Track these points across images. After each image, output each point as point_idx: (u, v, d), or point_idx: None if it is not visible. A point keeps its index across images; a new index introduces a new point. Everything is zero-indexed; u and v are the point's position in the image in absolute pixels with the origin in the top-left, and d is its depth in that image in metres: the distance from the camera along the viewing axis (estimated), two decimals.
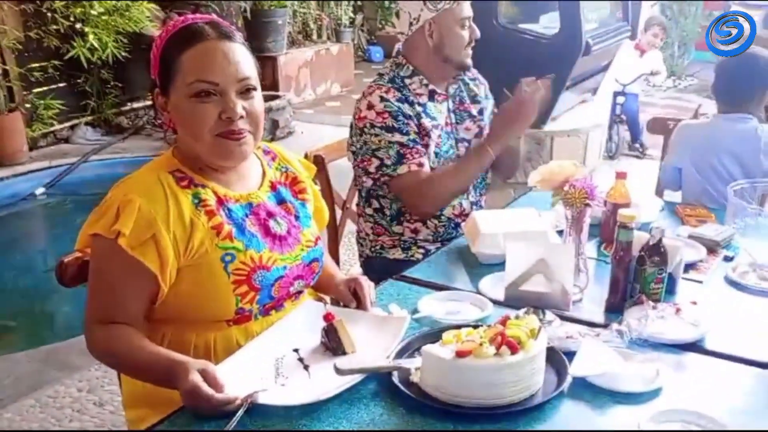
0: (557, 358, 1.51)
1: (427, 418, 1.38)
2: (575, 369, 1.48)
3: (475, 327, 1.55)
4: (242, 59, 1.56)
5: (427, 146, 2.37)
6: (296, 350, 1.59)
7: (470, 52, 2.43)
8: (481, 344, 1.40)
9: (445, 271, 2.06)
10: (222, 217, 1.58)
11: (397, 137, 2.30)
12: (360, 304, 1.75)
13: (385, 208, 2.45)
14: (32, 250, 5.18)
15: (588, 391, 1.46)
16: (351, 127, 2.43)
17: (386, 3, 9.81)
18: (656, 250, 1.77)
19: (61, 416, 2.85)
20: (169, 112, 1.57)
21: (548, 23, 5.15)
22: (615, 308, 1.81)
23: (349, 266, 3.75)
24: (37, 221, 5.60)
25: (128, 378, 1.66)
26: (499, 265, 1.98)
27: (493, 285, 1.91)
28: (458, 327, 1.54)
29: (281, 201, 1.73)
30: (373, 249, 2.53)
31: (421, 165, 2.31)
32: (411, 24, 2.41)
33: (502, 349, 1.39)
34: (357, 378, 1.45)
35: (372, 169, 2.33)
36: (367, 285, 1.78)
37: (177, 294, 1.55)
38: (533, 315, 1.54)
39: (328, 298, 1.91)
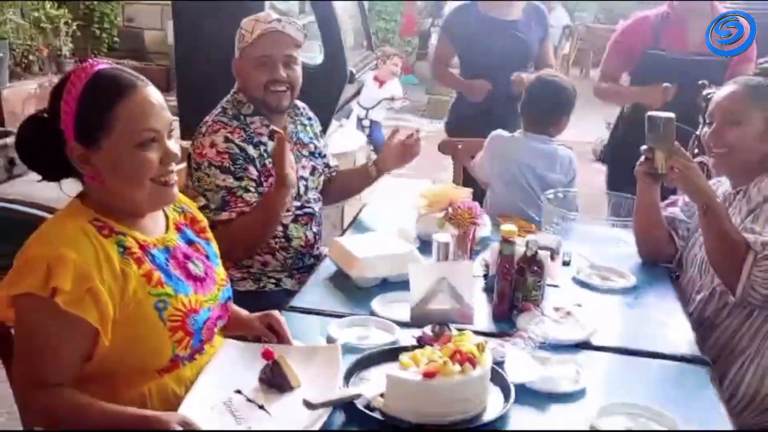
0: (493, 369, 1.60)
1: None
2: (515, 377, 1.58)
3: (409, 348, 1.60)
4: (164, 102, 1.53)
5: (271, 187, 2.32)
6: (239, 391, 1.53)
7: (278, 91, 2.35)
8: (444, 363, 1.44)
9: (329, 299, 2.07)
10: (149, 264, 1.50)
11: (229, 181, 2.25)
12: (280, 338, 1.71)
13: None
14: None
15: (526, 395, 1.56)
16: (188, 158, 2.33)
17: (97, 32, 9.29)
18: (534, 261, 1.95)
19: None
20: (93, 165, 1.46)
21: (306, 52, 5.26)
22: (503, 317, 1.94)
23: None
24: None
25: None
26: (377, 287, 2.09)
27: (387, 306, 1.96)
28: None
29: (189, 242, 1.68)
30: None
31: (242, 215, 2.26)
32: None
33: (465, 366, 1.44)
34: (329, 410, 1.43)
35: (200, 206, 2.24)
36: (282, 319, 1.74)
37: (110, 347, 1.43)
38: (468, 331, 1.61)
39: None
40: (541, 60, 3.78)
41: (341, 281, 2.15)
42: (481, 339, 1.55)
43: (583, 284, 2.21)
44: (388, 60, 6.42)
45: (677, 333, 1.96)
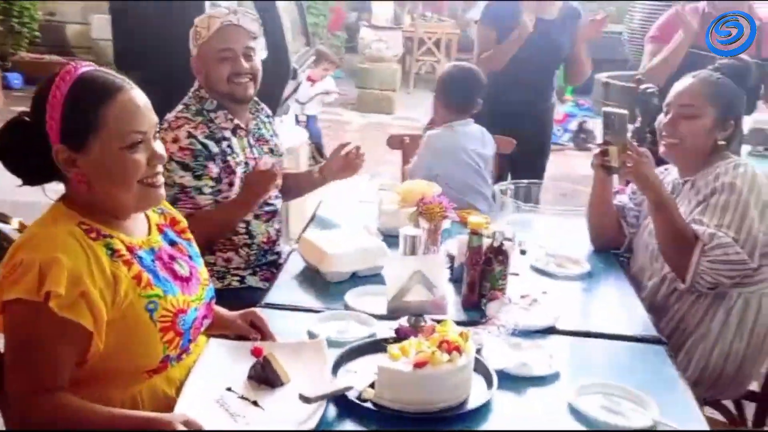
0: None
1: (402, 426, 1.47)
2: (493, 363, 1.66)
3: (389, 340, 1.67)
4: (149, 104, 1.54)
5: (232, 184, 2.38)
6: (229, 389, 1.56)
7: (242, 82, 2.39)
8: (433, 353, 1.50)
9: (301, 295, 2.11)
10: (138, 266, 1.51)
11: (186, 179, 2.28)
12: (263, 335, 1.75)
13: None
14: None
15: (504, 380, 1.64)
16: None
17: (17, 27, 8.99)
18: (500, 251, 2.03)
19: None
20: (79, 167, 1.46)
21: None
22: (472, 306, 2.03)
23: None
24: None
25: None
26: (347, 281, 2.15)
27: (360, 299, 2.02)
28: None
29: (172, 242, 1.69)
30: None
31: (191, 216, 2.21)
32: (191, 62, 2.41)
33: (453, 354, 1.51)
34: (323, 403, 1.48)
35: None
36: (264, 316, 1.78)
37: (102, 351, 1.44)
38: (449, 321, 1.68)
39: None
40: (572, 60, 3.72)
41: (311, 276, 2.19)
42: (462, 328, 1.63)
43: (542, 272, 2.31)
44: (320, 65, 6.47)
45: (633, 315, 2.07)
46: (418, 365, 1.49)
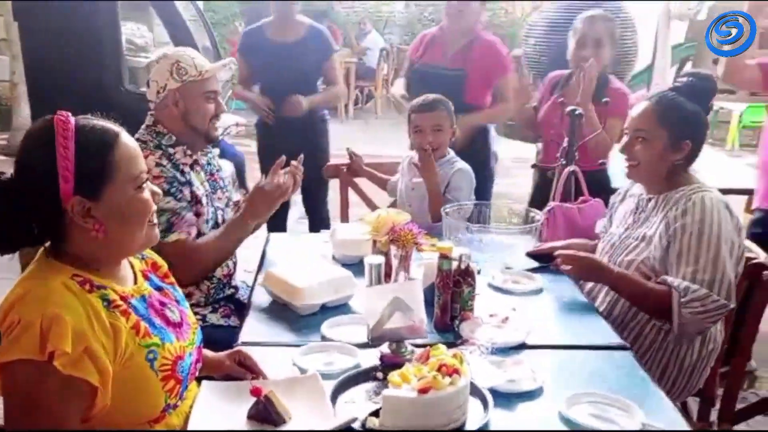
0: None
1: None
2: (485, 382, 1.72)
3: (378, 368, 1.72)
4: None
5: (199, 214, 2.39)
6: None
7: (217, 124, 2.49)
8: (434, 377, 1.55)
9: (275, 330, 2.11)
10: (134, 315, 1.50)
11: (171, 204, 2.28)
12: (254, 373, 1.75)
13: None
14: None
15: (496, 398, 1.69)
16: None
17: None
18: (467, 273, 2.10)
19: None
20: (94, 215, 1.45)
21: None
22: (445, 328, 2.08)
23: None
24: None
25: None
26: (318, 313, 2.16)
27: (336, 330, 2.05)
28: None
29: (158, 288, 1.69)
30: None
31: (189, 234, 2.33)
32: (158, 92, 2.40)
33: (453, 377, 1.56)
34: None
35: None
36: (250, 354, 1.78)
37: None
38: (440, 345, 1.73)
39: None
40: (327, 79, 4.18)
41: (280, 311, 2.20)
42: (453, 350, 1.67)
43: (500, 290, 2.39)
44: None
45: (594, 325, 2.17)
46: (423, 390, 1.52)
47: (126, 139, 1.50)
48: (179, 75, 2.38)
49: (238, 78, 4.16)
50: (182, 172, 2.36)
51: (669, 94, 2.29)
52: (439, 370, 1.57)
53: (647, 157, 2.27)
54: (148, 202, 1.53)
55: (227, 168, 5.54)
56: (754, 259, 2.30)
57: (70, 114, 1.48)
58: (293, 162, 2.49)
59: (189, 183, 2.36)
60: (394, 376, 1.59)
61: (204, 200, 2.41)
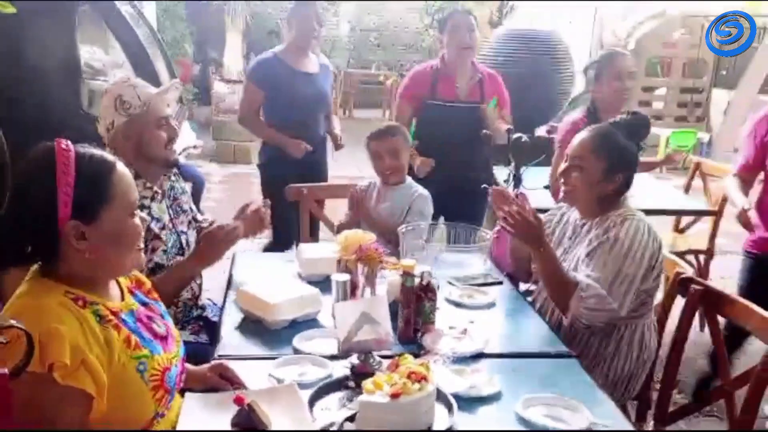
0: None
1: None
2: (449, 388, 1.89)
3: (350, 377, 1.88)
4: None
5: (155, 250, 2.45)
6: None
7: (174, 148, 2.53)
8: (404, 384, 1.70)
9: (249, 344, 2.23)
10: (125, 329, 1.62)
11: None
12: (235, 384, 1.88)
13: None
14: None
15: (459, 402, 1.85)
16: None
17: None
18: (429, 288, 2.27)
19: None
20: (89, 239, 1.56)
21: None
22: (409, 340, 2.24)
23: None
24: None
25: None
26: (288, 327, 2.30)
27: (308, 343, 2.19)
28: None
29: (144, 303, 1.80)
30: None
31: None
32: (108, 129, 2.44)
33: (422, 383, 1.72)
34: None
35: None
36: (231, 367, 1.90)
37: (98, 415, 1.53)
38: (407, 355, 1.89)
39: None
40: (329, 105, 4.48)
41: (252, 326, 2.33)
42: (420, 360, 1.84)
43: (456, 303, 2.57)
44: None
45: (543, 335, 2.36)
46: (395, 396, 1.68)
47: (122, 168, 1.63)
48: (124, 109, 2.40)
49: (248, 107, 4.27)
50: (141, 210, 2.41)
51: (608, 128, 2.50)
52: (408, 377, 1.72)
53: (581, 184, 2.45)
54: (139, 228, 1.66)
55: (186, 189, 5.60)
56: (683, 274, 2.51)
57: (63, 142, 1.59)
58: (261, 204, 2.64)
59: (144, 220, 2.41)
60: (368, 383, 1.74)
61: (164, 232, 2.49)
